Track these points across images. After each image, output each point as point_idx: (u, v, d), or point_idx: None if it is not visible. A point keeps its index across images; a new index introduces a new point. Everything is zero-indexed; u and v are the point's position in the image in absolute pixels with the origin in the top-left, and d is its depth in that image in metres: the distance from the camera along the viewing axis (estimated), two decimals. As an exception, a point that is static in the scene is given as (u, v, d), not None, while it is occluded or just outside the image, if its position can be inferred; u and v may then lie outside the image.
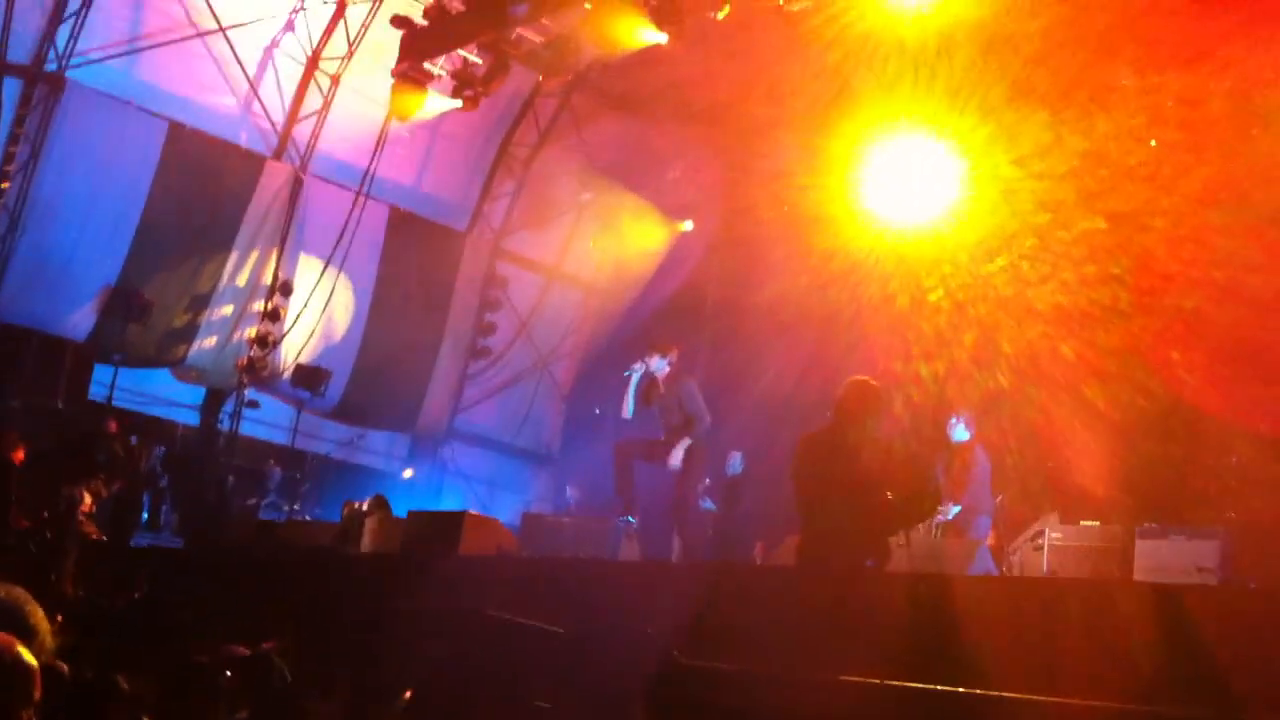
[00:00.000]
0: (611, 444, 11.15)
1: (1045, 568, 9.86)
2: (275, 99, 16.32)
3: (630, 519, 10.42)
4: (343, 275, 16.99)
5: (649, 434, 10.65)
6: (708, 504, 13.71)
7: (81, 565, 8.76)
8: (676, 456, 10.19)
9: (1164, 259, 11.25)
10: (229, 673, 4.58)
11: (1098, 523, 10.25)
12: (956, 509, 10.16)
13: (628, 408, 10.52)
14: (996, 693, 5.13)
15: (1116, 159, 11.55)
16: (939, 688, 5.23)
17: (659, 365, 10.50)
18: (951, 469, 10.52)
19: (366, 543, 11.25)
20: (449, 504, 16.49)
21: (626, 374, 10.58)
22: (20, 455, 13.87)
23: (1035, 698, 5.06)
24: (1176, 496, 10.85)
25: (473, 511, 10.88)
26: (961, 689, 5.18)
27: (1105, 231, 11.70)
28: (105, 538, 9.88)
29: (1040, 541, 10.16)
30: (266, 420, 16.40)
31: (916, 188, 12.89)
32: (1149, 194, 11.34)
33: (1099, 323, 11.66)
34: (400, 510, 12.42)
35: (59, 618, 4.84)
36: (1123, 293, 11.55)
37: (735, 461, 13.95)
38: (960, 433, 10.60)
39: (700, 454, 10.43)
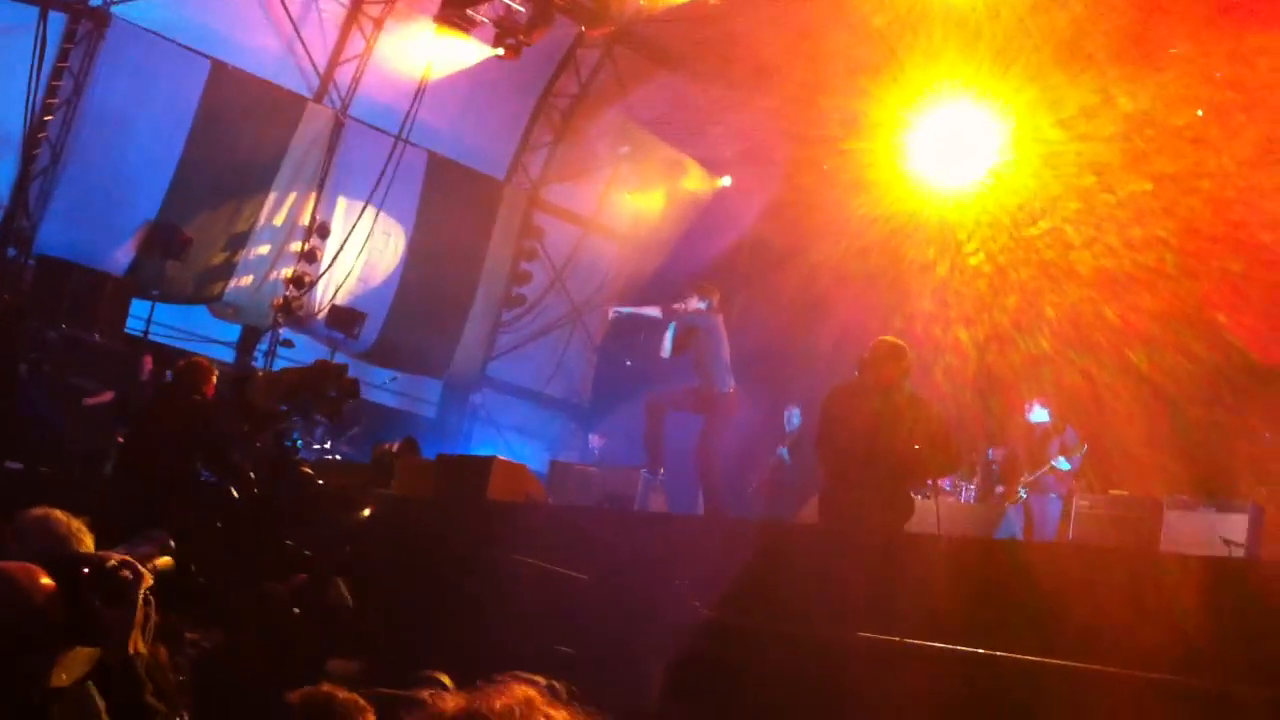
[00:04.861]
0: (643, 396, 11.14)
1: (1071, 535, 9.82)
2: (318, 41, 16.29)
3: (653, 474, 10.43)
4: (380, 219, 17.03)
5: (684, 380, 10.59)
6: (783, 453, 13.63)
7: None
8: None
9: (1211, 221, 11.11)
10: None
11: (1126, 492, 10.19)
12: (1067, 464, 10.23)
13: (666, 346, 10.47)
14: (1020, 656, 5.14)
15: (1164, 120, 11.38)
16: (960, 648, 5.23)
17: (697, 305, 10.46)
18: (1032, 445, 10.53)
19: (396, 485, 11.33)
20: (479, 450, 16.56)
21: (671, 310, 10.52)
22: (150, 365, 13.98)
23: (1065, 663, 5.06)
24: (1221, 461, 10.76)
25: (501, 457, 10.91)
26: (981, 650, 5.18)
27: (1151, 194, 11.54)
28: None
29: (1070, 508, 10.13)
30: (301, 359, 16.44)
31: (959, 151, 12.77)
32: (1197, 156, 11.18)
33: (1144, 286, 11.54)
34: (430, 453, 12.51)
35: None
36: (1168, 255, 11.41)
37: (794, 416, 13.83)
38: (1039, 414, 10.59)
39: (726, 408, 10.37)
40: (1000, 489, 10.59)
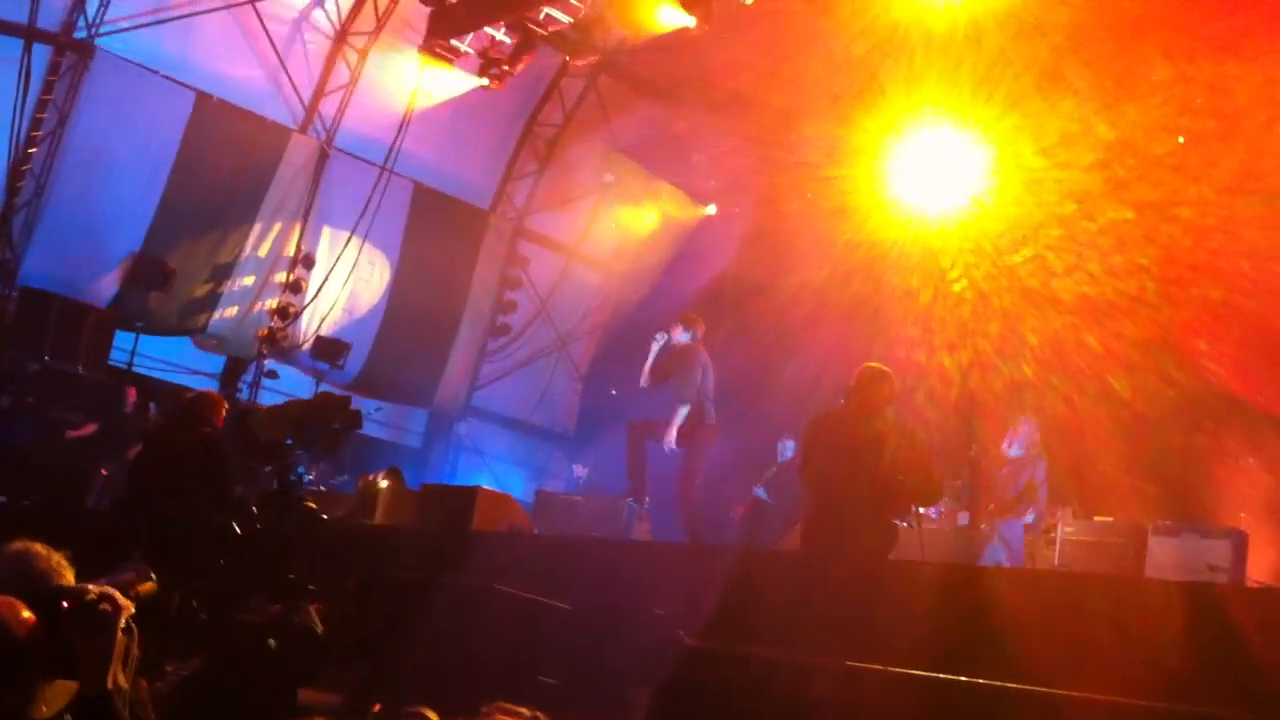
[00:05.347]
0: (625, 425, 11.16)
1: (1056, 561, 9.83)
2: (303, 72, 16.34)
3: (638, 502, 10.42)
4: (365, 249, 17.05)
5: (663, 414, 10.63)
6: (760, 492, 13.63)
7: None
8: (670, 436, 10.22)
9: (1191, 249, 11.17)
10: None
11: (1111, 518, 10.21)
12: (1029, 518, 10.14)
13: (645, 376, 10.51)
14: (1005, 684, 5.13)
15: (1144, 148, 11.46)
16: (945, 676, 5.22)
17: (681, 338, 10.50)
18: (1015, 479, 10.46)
19: (380, 514, 11.31)
20: (464, 480, 16.53)
21: (648, 344, 10.57)
22: (133, 396, 13.94)
23: (1049, 690, 5.05)
24: (1203, 487, 10.79)
25: (486, 487, 10.90)
26: (964, 678, 5.17)
27: (1132, 222, 11.60)
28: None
29: (1053, 535, 10.13)
30: (285, 391, 16.42)
31: (941, 178, 12.84)
32: (1177, 184, 11.26)
33: (1125, 313, 11.58)
34: (414, 483, 12.47)
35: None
36: (1149, 283, 11.47)
37: (787, 448, 13.83)
38: (1015, 450, 10.53)
39: (705, 438, 10.43)
40: (964, 515, 10.43)
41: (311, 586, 5.48)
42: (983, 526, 10.21)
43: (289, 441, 6.10)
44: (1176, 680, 5.17)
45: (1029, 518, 10.09)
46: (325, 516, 5.64)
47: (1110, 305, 11.72)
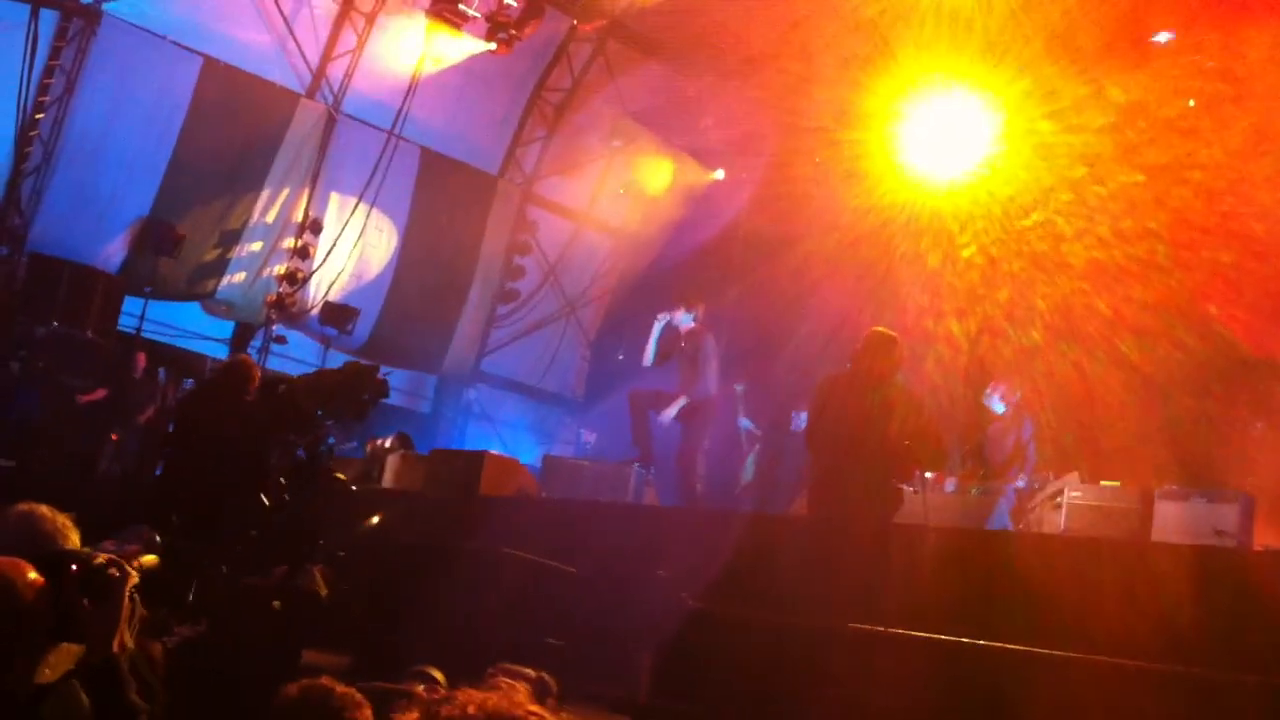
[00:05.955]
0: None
1: (1062, 526, 9.81)
2: (310, 37, 16.26)
3: (645, 468, 10.47)
4: (373, 215, 17.02)
5: (668, 385, 10.68)
6: (744, 424, 13.71)
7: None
8: (669, 413, 10.27)
9: (1203, 213, 11.11)
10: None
11: (1118, 483, 10.19)
12: (1020, 484, 10.11)
13: (648, 355, 10.57)
14: (1010, 646, 5.14)
15: (1155, 112, 11.39)
16: (950, 639, 5.24)
17: (684, 319, 10.53)
18: (1001, 441, 10.42)
19: (389, 479, 11.35)
20: (473, 445, 16.57)
21: (651, 323, 10.62)
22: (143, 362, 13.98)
23: (1055, 653, 5.06)
24: (1212, 452, 10.77)
25: (494, 452, 10.93)
26: (979, 641, 5.19)
27: (1143, 185, 11.54)
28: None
29: (1059, 500, 10.10)
30: (294, 356, 16.47)
31: (951, 143, 12.78)
32: (1188, 147, 11.18)
33: (1136, 277, 11.53)
34: (423, 449, 12.50)
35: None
36: (1160, 247, 11.41)
37: (800, 419, 13.81)
38: (996, 404, 10.48)
39: (706, 414, 10.50)
40: (950, 482, 10.38)
41: (323, 542, 5.50)
42: (972, 491, 10.18)
43: (320, 412, 6.11)
44: (1183, 643, 5.18)
45: (1020, 481, 10.07)
46: (355, 489, 5.65)
47: (1120, 269, 11.67)
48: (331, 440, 6.28)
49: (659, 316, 10.62)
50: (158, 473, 11.39)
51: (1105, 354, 11.54)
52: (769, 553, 6.48)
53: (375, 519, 7.66)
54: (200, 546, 5.53)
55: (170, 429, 10.75)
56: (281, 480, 6.00)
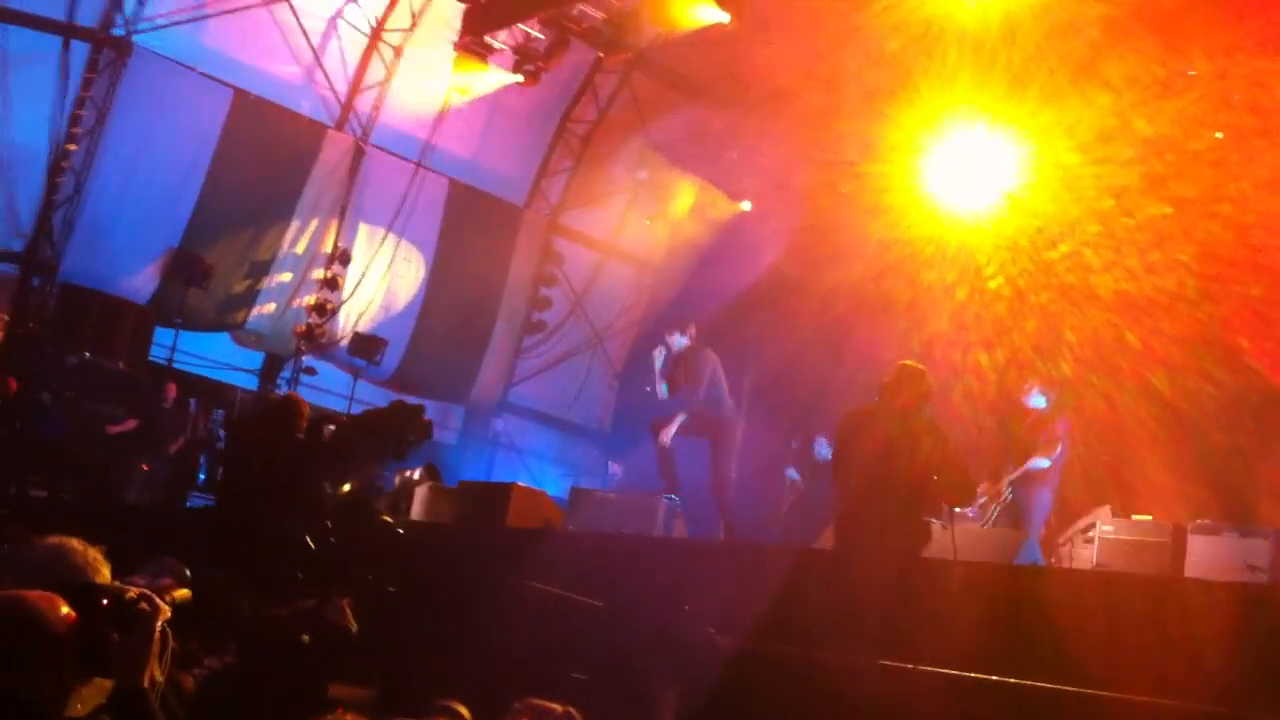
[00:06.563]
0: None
1: (1094, 561, 9.74)
2: (338, 69, 16.45)
3: (673, 497, 10.44)
4: (401, 246, 17.14)
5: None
6: (791, 474, 13.68)
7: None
8: (669, 431, 10.28)
9: (1231, 245, 11.06)
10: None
11: (1150, 517, 10.11)
12: (1045, 462, 10.04)
13: (661, 390, 10.60)
14: (1049, 685, 5.09)
15: (1183, 144, 11.35)
16: (979, 676, 5.19)
17: (680, 343, 10.56)
18: (1023, 433, 10.34)
19: (417, 511, 11.35)
20: (500, 477, 16.58)
21: (650, 358, 10.69)
22: (173, 392, 14.06)
23: (1085, 691, 5.01)
24: (1243, 486, 10.68)
25: (521, 484, 10.92)
26: (1009, 679, 5.14)
27: (1171, 218, 11.50)
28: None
29: (1091, 534, 10.03)
30: (323, 387, 16.57)
31: (976, 174, 12.76)
32: (1216, 179, 11.15)
33: (1165, 310, 11.47)
34: (450, 480, 12.52)
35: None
36: (1189, 279, 11.36)
37: (822, 446, 13.79)
38: (1036, 399, 10.41)
39: (729, 433, 10.48)
40: (983, 486, 10.29)
41: (391, 589, 5.48)
42: (996, 498, 10.10)
43: (367, 452, 6.10)
44: (1216, 682, 5.12)
45: (1043, 461, 9.99)
46: (401, 531, 5.63)
47: (1150, 302, 11.62)
48: (379, 483, 6.23)
49: (656, 352, 10.68)
50: (189, 505, 11.43)
51: (1135, 387, 11.48)
52: (795, 586, 6.45)
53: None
54: (232, 579, 5.54)
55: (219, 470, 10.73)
56: (328, 523, 6.01)
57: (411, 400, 17.35)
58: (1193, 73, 11.26)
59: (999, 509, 10.22)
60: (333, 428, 6.56)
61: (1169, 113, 11.34)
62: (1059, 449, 10.18)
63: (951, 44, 11.86)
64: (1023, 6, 11.38)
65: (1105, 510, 10.46)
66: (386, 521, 5.63)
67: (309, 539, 5.33)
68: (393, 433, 5.94)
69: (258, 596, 5.24)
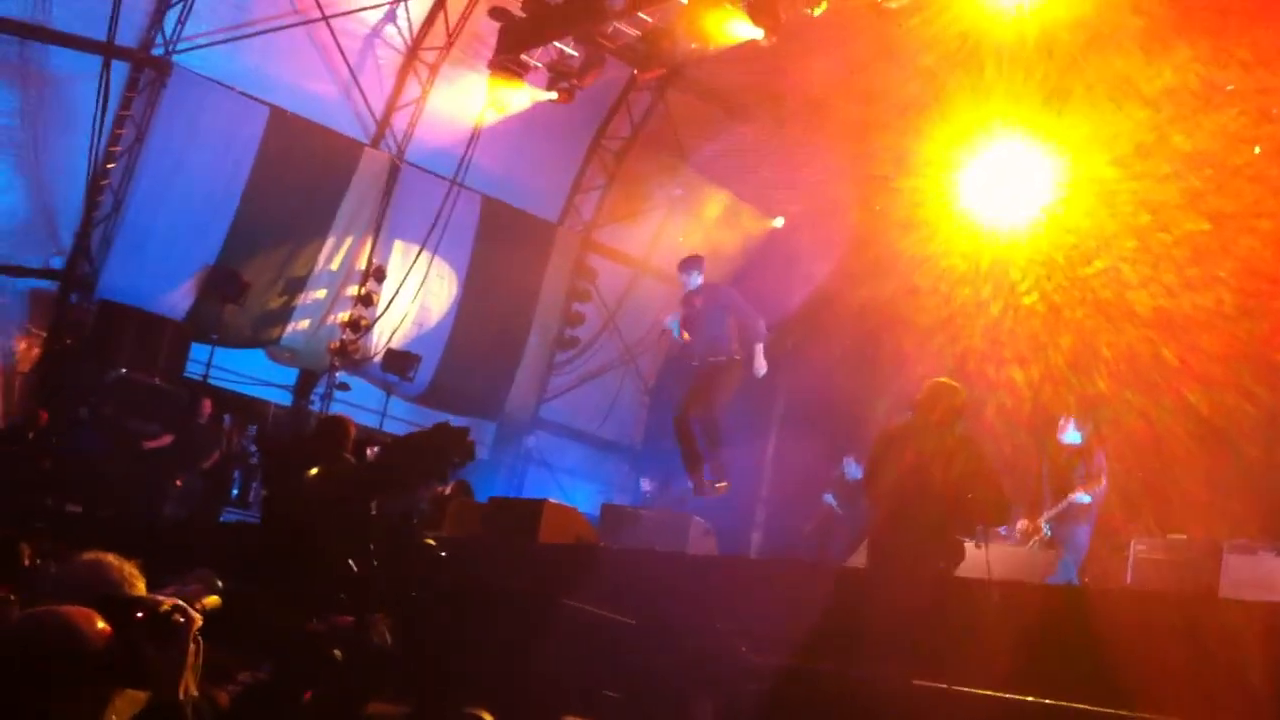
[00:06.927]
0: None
1: (1130, 579, 9.65)
2: (375, 87, 16.55)
3: (714, 477, 10.31)
4: (435, 262, 17.22)
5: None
6: (829, 499, 13.63)
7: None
8: (760, 364, 10.19)
9: (1270, 261, 10.95)
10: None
11: (1185, 535, 10.01)
12: (1087, 498, 9.93)
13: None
14: (1085, 707, 5.04)
15: (1221, 159, 11.26)
16: (1014, 696, 5.15)
17: (694, 281, 10.54)
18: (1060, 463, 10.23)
19: (449, 527, 11.38)
20: (532, 493, 16.60)
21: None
22: (209, 408, 14.16)
23: (1121, 712, 4.96)
24: (1280, 505, 10.56)
25: (552, 500, 10.94)
26: (1045, 700, 5.10)
27: (1209, 233, 11.40)
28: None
29: (1126, 553, 9.94)
30: (356, 402, 16.65)
31: (1012, 189, 12.70)
32: (1255, 195, 11.04)
33: (1202, 326, 11.36)
34: (482, 496, 12.54)
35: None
36: (1227, 295, 11.25)
37: (850, 465, 13.72)
38: (1072, 434, 10.31)
39: (733, 371, 10.40)
40: (1021, 524, 10.15)
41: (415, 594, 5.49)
42: (1036, 536, 9.98)
43: (411, 473, 6.10)
44: (1253, 702, 5.06)
45: (1085, 496, 9.84)
46: (444, 554, 5.63)
47: (1187, 318, 11.51)
48: (423, 506, 6.23)
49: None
50: (222, 519, 11.49)
51: (1172, 403, 11.36)
52: (829, 604, 6.42)
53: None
54: (267, 594, 5.56)
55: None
56: (371, 546, 6.01)
57: (446, 418, 17.53)
58: (1231, 87, 11.16)
59: (1037, 545, 10.07)
60: (376, 448, 6.58)
61: (1208, 127, 11.25)
62: (1103, 484, 10.04)
63: (988, 57, 11.82)
64: (1060, 20, 11.32)
65: (1141, 529, 10.33)
66: (429, 544, 5.63)
67: (352, 561, 5.34)
68: (437, 454, 5.94)
69: (297, 614, 5.26)
